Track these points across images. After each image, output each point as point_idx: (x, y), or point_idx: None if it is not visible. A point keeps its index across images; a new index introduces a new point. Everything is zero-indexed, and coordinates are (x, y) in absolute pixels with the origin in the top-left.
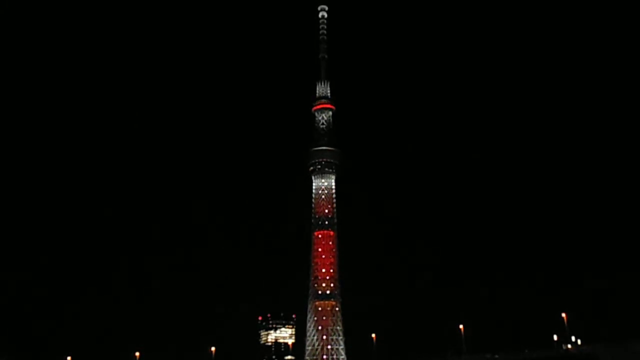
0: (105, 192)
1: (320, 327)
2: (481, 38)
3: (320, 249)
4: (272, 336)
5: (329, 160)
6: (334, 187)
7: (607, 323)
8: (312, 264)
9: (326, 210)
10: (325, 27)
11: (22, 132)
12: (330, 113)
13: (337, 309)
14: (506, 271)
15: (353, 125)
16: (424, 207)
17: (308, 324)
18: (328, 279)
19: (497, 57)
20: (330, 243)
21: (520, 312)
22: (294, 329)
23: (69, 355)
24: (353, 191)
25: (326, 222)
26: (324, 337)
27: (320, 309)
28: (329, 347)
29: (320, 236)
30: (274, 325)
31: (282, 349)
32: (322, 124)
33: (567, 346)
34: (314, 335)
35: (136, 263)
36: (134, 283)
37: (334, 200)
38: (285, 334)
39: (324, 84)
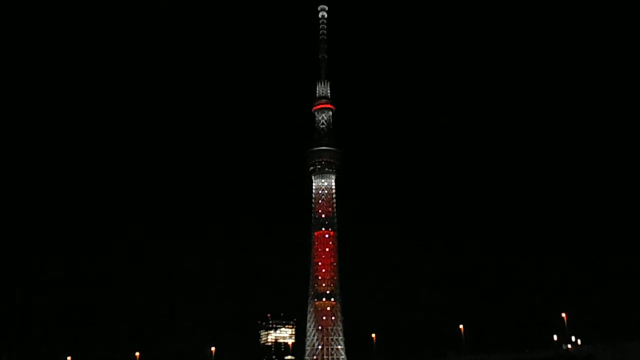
0: (106, 191)
1: (320, 327)
2: (480, 37)
3: (320, 249)
4: (272, 336)
5: (329, 160)
6: (334, 187)
7: (607, 323)
8: (312, 264)
9: (326, 210)
10: (325, 27)
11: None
12: (330, 113)
13: (337, 309)
14: (506, 271)
15: (353, 125)
16: (424, 207)
17: (308, 324)
18: (328, 279)
19: (496, 56)
20: (330, 243)
21: (520, 312)
22: (294, 329)
23: (69, 355)
24: (353, 191)
25: (326, 222)
26: (324, 337)
27: (320, 309)
28: (329, 347)
29: (320, 236)
30: (274, 325)
31: (282, 349)
32: (322, 124)
33: (567, 346)
34: (314, 335)
35: (136, 263)
36: (134, 283)
37: (334, 200)
38: (285, 334)
39: (324, 84)
